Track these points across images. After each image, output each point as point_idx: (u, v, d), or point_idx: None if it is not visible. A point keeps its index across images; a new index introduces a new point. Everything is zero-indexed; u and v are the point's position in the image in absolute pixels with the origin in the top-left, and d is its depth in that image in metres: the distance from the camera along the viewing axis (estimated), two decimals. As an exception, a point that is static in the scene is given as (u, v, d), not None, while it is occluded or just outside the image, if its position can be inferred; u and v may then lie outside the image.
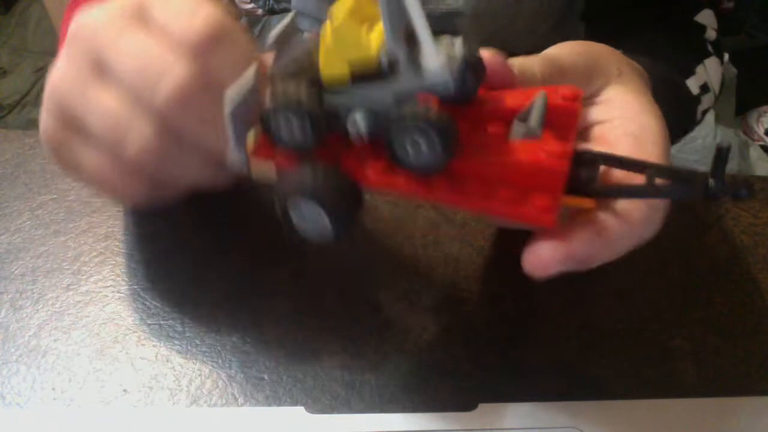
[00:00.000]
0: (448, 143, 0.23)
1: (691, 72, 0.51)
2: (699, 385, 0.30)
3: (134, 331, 0.30)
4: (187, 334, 0.30)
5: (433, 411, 0.28)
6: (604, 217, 0.25)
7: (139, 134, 0.28)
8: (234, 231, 0.34)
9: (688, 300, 0.33)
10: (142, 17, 0.28)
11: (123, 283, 0.32)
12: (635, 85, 0.30)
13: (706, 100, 0.52)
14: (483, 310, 0.32)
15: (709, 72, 0.53)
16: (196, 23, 0.27)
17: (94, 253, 0.33)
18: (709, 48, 0.54)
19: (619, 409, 0.28)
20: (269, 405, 0.28)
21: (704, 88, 0.52)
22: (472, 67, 0.23)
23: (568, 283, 0.34)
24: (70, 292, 0.31)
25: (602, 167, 0.25)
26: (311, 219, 0.25)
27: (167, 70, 0.27)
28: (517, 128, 0.24)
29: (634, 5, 0.54)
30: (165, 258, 0.33)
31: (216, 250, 0.33)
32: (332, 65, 0.23)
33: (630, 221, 0.25)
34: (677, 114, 0.50)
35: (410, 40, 0.23)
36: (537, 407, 0.28)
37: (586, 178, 0.25)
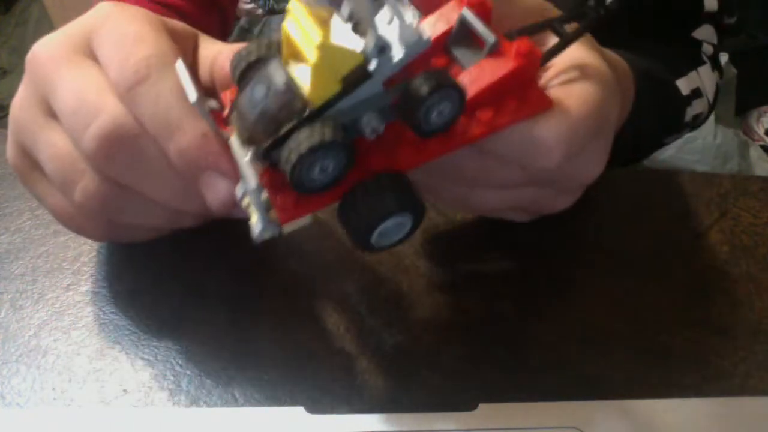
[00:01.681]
0: (463, 95, 0.24)
1: (681, 73, 0.51)
2: (699, 385, 0.30)
3: (134, 331, 0.30)
4: (187, 334, 0.30)
5: (433, 411, 0.28)
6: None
7: (83, 180, 0.27)
8: (234, 231, 0.34)
9: (688, 300, 0.33)
10: (87, 47, 0.28)
11: (123, 283, 0.32)
12: (593, 48, 0.30)
13: (698, 105, 0.52)
14: (483, 310, 0.32)
15: (703, 78, 0.52)
16: (130, 64, 0.26)
17: (94, 253, 0.33)
18: (705, 58, 0.54)
19: (619, 409, 0.28)
20: (269, 405, 0.28)
21: (696, 93, 0.52)
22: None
23: (568, 282, 0.34)
24: (70, 292, 0.31)
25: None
26: (392, 230, 0.25)
27: (94, 116, 0.26)
28: (468, 55, 0.26)
29: (633, 17, 0.54)
30: (166, 258, 0.33)
31: (216, 250, 0.33)
32: (323, 85, 0.23)
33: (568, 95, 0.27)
34: (661, 110, 0.50)
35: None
36: (537, 407, 0.28)
37: None
